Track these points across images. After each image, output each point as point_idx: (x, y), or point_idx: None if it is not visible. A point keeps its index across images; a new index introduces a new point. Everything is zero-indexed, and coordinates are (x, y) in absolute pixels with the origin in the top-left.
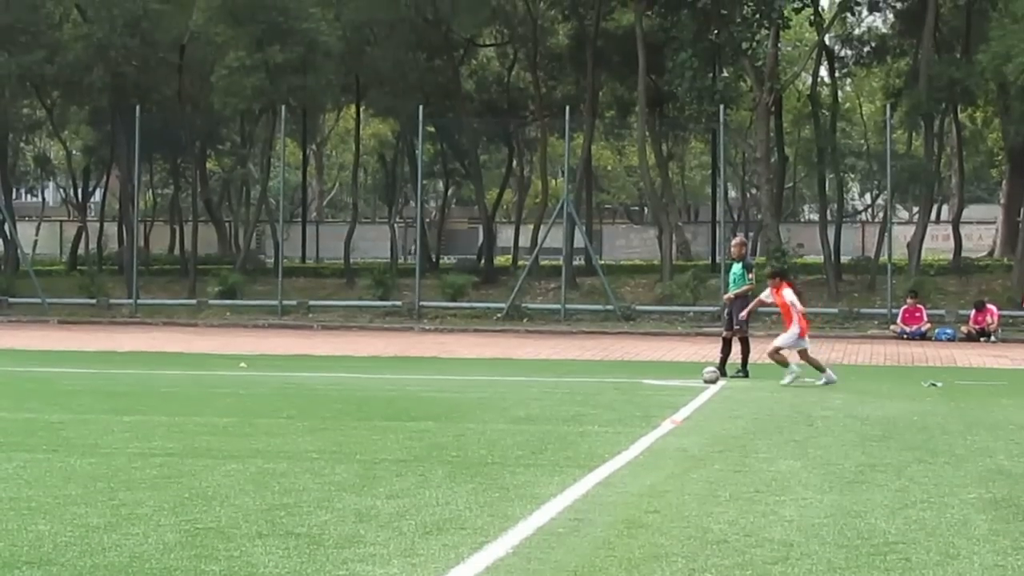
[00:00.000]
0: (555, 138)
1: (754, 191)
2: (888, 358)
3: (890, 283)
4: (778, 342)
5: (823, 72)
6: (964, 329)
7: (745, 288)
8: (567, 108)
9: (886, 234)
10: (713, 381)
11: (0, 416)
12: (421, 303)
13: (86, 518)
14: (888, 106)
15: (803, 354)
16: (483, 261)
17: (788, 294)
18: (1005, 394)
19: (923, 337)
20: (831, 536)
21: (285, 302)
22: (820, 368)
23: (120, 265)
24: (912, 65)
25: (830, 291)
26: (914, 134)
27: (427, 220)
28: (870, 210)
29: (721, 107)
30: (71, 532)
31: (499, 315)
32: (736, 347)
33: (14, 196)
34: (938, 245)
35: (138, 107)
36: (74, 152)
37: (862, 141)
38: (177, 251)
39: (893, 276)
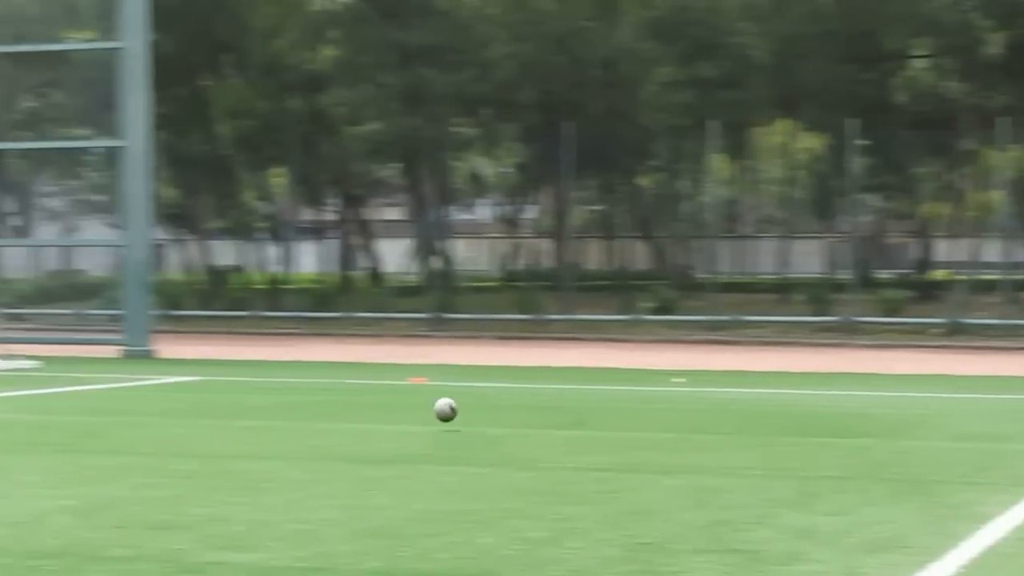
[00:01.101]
0: (991, 149)
1: None
2: None
3: None
4: None
5: None
6: None
7: None
8: (1003, 119)
9: None
10: None
11: (440, 430)
12: (857, 318)
13: (527, 532)
14: None
15: None
16: (920, 275)
17: None
18: None
19: None
20: None
21: (718, 317)
22: None
23: (554, 281)
24: None
25: None
26: None
27: (861, 234)
28: None
29: None
30: (513, 546)
31: (938, 330)
32: None
33: (449, 213)
34: None
35: (568, 124)
36: (506, 169)
37: None
38: (610, 266)
39: None
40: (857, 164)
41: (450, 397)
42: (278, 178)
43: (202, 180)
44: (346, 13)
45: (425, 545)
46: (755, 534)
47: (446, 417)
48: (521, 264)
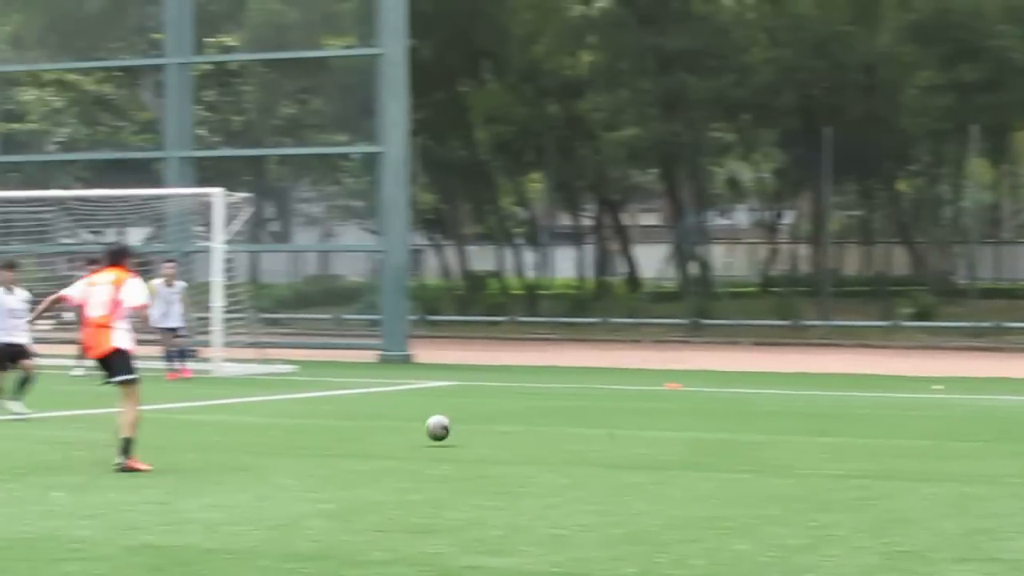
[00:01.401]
0: None
1: None
2: None
3: None
4: None
5: None
6: None
7: None
8: None
9: None
10: None
11: (697, 436)
12: None
13: (784, 539)
14: None
15: None
16: None
17: None
18: None
19: None
20: None
21: (979, 324)
22: None
23: (812, 286)
24: None
25: None
26: None
27: None
28: None
29: None
30: (769, 553)
31: None
32: None
33: (707, 219)
34: None
35: (827, 129)
36: (764, 174)
37: None
38: (869, 272)
39: None
40: None
41: (444, 416)
42: (535, 183)
43: (459, 185)
44: (604, 19)
45: (681, 551)
46: (1017, 543)
47: (438, 436)
48: (779, 270)
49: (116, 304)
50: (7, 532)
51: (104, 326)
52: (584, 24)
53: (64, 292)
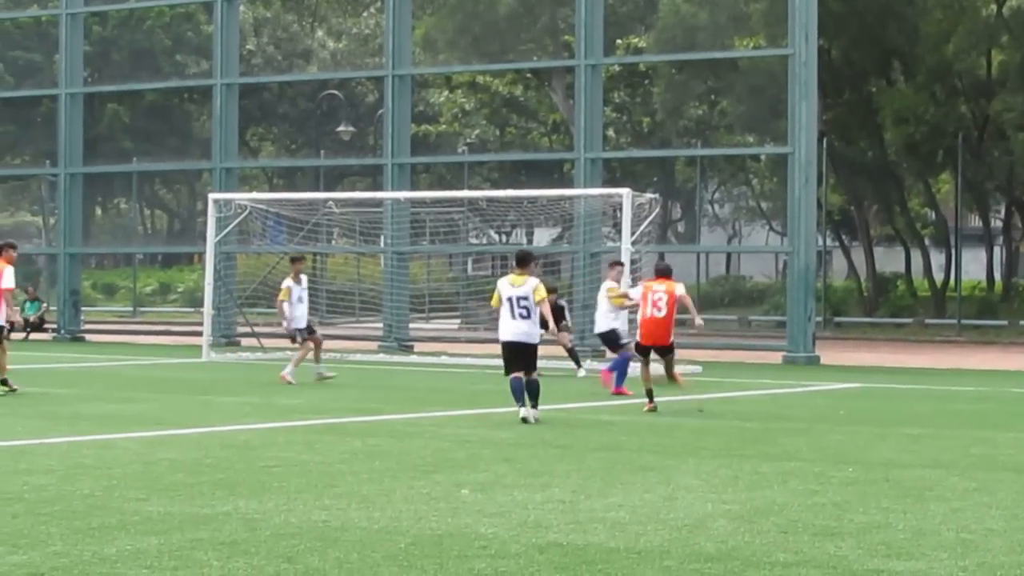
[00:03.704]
0: None
1: None
2: None
3: None
4: None
5: None
6: None
7: None
8: None
9: None
10: None
11: None
12: None
13: None
14: None
15: None
16: None
17: None
18: None
19: None
20: None
21: None
22: None
23: None
24: None
25: None
26: None
27: None
28: None
29: None
30: None
31: None
32: None
33: None
34: None
35: None
36: None
37: None
38: None
39: None
40: None
41: None
42: (944, 184)
43: (868, 186)
44: (1016, 17)
45: None
46: None
47: None
48: None
49: None
50: (415, 528)
51: None
52: (996, 23)
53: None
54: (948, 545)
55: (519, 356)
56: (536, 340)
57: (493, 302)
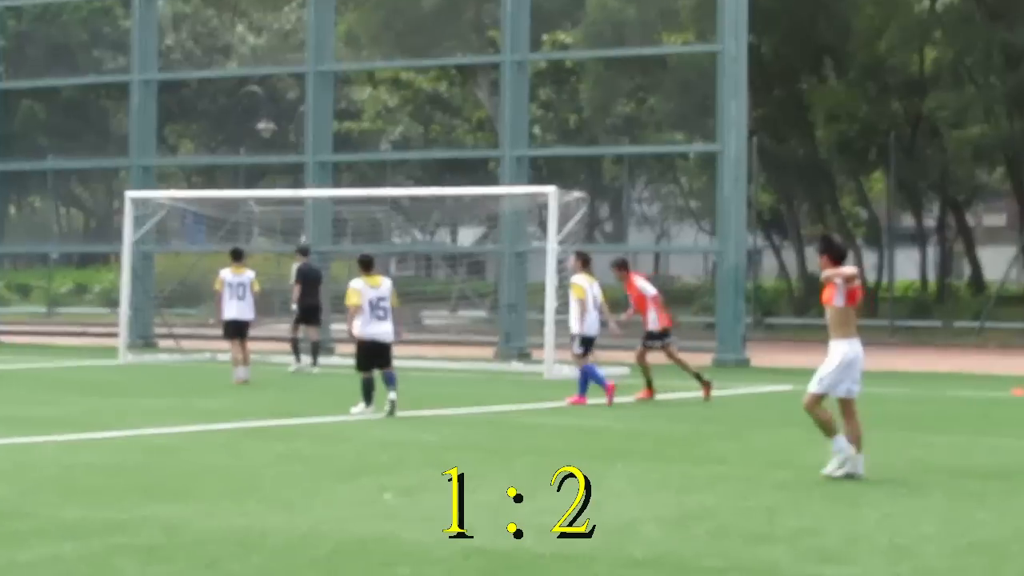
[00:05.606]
0: None
1: None
2: None
3: None
4: None
5: None
6: None
7: None
8: None
9: None
10: None
11: None
12: None
13: None
14: None
15: None
16: None
17: None
18: None
19: None
20: None
21: None
22: None
23: None
24: None
25: None
26: None
27: None
28: None
29: None
30: None
31: None
32: None
33: None
34: None
35: None
36: None
37: None
38: None
39: None
40: None
41: None
42: (877, 183)
43: (798, 185)
44: (950, 13)
45: None
46: None
47: None
48: None
49: None
50: (338, 534)
51: None
52: (930, 19)
53: None
54: (882, 550)
55: (378, 354)
56: (391, 339)
57: (351, 301)
